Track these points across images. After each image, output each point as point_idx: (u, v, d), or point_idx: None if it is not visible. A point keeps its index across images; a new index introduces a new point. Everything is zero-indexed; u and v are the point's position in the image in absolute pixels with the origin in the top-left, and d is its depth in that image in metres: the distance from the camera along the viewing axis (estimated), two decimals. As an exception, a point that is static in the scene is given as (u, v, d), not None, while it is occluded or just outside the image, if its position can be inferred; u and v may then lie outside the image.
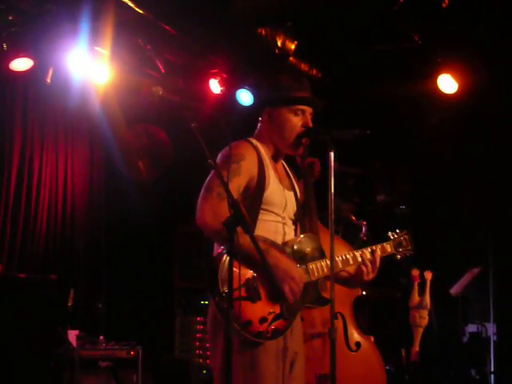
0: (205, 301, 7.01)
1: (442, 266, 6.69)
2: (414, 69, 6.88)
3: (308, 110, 3.37)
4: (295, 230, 3.42)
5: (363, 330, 4.68)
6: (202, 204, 3.11)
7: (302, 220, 3.48)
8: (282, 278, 3.07)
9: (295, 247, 3.28)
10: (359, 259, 3.45)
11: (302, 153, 3.68)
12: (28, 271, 6.74)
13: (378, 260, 3.48)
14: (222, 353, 2.90)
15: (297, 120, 3.34)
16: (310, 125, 3.36)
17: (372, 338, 4.66)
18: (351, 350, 4.41)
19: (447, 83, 6.81)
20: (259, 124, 3.46)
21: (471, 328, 7.34)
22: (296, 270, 3.16)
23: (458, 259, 7.22)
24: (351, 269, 3.50)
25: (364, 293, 5.43)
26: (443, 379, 6.95)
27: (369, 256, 3.47)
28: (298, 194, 3.49)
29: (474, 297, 7.25)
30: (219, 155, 3.24)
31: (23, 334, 6.12)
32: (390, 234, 3.70)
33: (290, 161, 3.64)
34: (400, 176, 7.61)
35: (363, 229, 5.32)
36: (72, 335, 6.25)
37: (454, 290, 6.72)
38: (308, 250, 3.31)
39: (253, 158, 3.26)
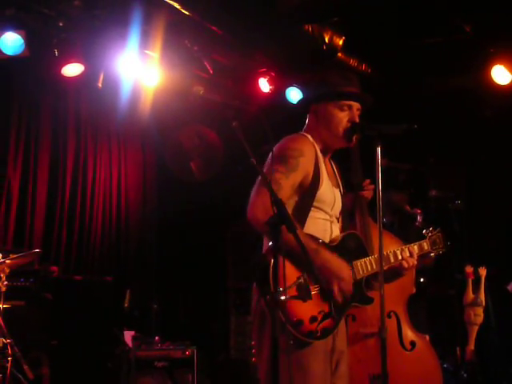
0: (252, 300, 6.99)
1: (499, 262, 6.52)
2: (467, 61, 6.73)
3: (355, 105, 3.33)
4: (339, 228, 3.39)
5: (419, 328, 4.59)
6: (253, 198, 3.09)
7: (345, 217, 3.45)
8: (332, 278, 3.06)
9: (340, 244, 3.25)
10: (399, 257, 3.44)
11: (353, 151, 3.65)
12: (84, 273, 6.86)
13: (416, 257, 3.48)
14: (269, 353, 2.87)
15: (343, 115, 3.30)
16: (357, 120, 3.31)
17: (427, 337, 4.56)
18: (406, 350, 4.31)
19: (501, 74, 6.65)
20: (307, 121, 3.43)
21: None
22: (346, 271, 3.13)
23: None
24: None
25: (421, 282, 5.35)
26: (503, 377, 6.76)
27: (408, 254, 3.47)
28: (342, 192, 3.45)
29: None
30: (276, 147, 3.19)
31: (80, 335, 6.21)
32: (424, 231, 3.76)
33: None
34: (454, 171, 7.45)
35: (418, 217, 5.26)
36: (128, 336, 6.33)
37: (512, 286, 6.54)
38: (352, 247, 3.29)
39: (311, 155, 3.24)
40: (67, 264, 6.99)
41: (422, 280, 5.12)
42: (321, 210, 3.24)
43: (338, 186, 3.41)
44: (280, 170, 3.09)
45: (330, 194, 3.27)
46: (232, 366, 7.53)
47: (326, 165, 3.35)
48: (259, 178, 3.12)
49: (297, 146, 3.19)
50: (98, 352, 6.30)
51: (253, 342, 7.24)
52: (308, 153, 3.22)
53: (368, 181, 3.66)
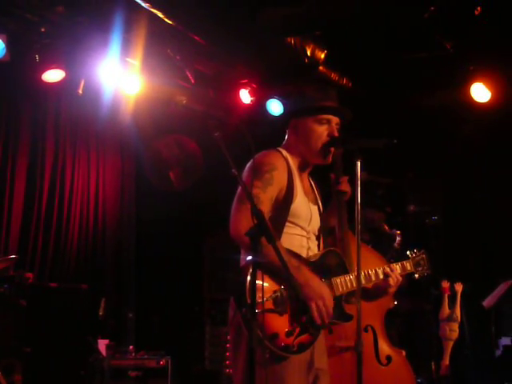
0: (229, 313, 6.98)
1: (475, 278, 6.58)
2: (446, 77, 6.80)
3: (334, 119, 3.33)
4: (318, 245, 3.39)
5: (394, 343, 4.60)
6: (235, 215, 3.08)
7: (325, 235, 3.45)
8: (311, 297, 3.03)
9: (320, 261, 3.24)
10: (381, 276, 3.42)
11: (336, 164, 3.65)
12: (59, 281, 6.80)
13: (398, 277, 3.46)
14: (244, 365, 2.87)
15: (322, 130, 3.30)
16: (336, 134, 3.31)
17: (403, 352, 4.57)
18: (382, 364, 4.32)
19: (480, 92, 6.72)
20: (286, 135, 3.44)
21: (505, 341, 7.19)
22: (326, 291, 3.11)
23: (491, 271, 7.10)
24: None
25: (395, 303, 5.37)
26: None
27: (390, 273, 3.44)
28: (321, 209, 3.45)
29: (508, 309, 7.12)
30: (249, 163, 3.19)
31: (54, 343, 6.15)
32: (408, 252, 3.74)
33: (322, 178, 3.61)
34: (432, 186, 7.51)
35: (397, 238, 5.27)
36: (102, 344, 6.28)
37: (487, 302, 6.59)
38: (332, 264, 3.28)
39: (283, 169, 3.24)
40: (42, 271, 6.93)
41: (395, 303, 5.13)
42: (296, 225, 3.24)
43: (315, 203, 3.40)
44: (257, 185, 3.08)
45: (305, 209, 3.27)
46: (206, 376, 7.50)
47: (302, 180, 3.35)
48: (238, 193, 3.13)
49: (269, 161, 3.20)
50: (71, 360, 6.23)
51: (228, 354, 7.23)
52: (280, 167, 3.23)
53: (346, 178, 3.66)
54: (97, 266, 7.48)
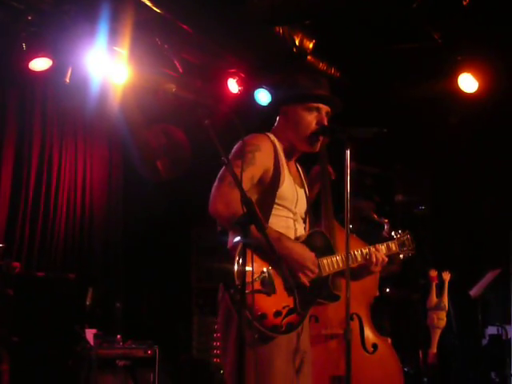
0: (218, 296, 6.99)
1: (462, 267, 6.62)
2: (434, 68, 6.81)
3: (324, 108, 3.36)
4: (305, 228, 3.42)
5: (382, 331, 4.63)
6: (214, 193, 3.14)
7: (311, 218, 3.48)
8: (296, 265, 3.11)
9: (306, 241, 3.28)
10: (367, 256, 3.45)
11: (322, 154, 3.68)
12: (46, 270, 6.78)
13: (383, 256, 3.49)
14: (235, 347, 2.89)
15: (311, 118, 3.33)
16: (325, 123, 3.34)
17: (389, 340, 4.60)
18: (368, 352, 4.35)
19: (468, 82, 6.74)
20: (276, 122, 3.46)
21: (491, 330, 7.25)
22: (309, 254, 3.18)
23: (478, 260, 7.15)
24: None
25: (386, 291, 5.40)
26: (463, 382, 6.86)
27: (375, 253, 3.48)
28: (308, 193, 3.48)
29: (494, 298, 7.17)
30: (235, 146, 3.24)
31: (41, 332, 6.15)
32: (393, 233, 3.79)
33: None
34: (419, 176, 7.55)
35: (385, 227, 5.29)
36: (90, 334, 6.28)
37: (474, 291, 6.65)
38: (318, 245, 3.32)
39: (269, 151, 3.27)
40: (29, 260, 6.90)
41: (387, 290, 5.16)
42: (284, 207, 3.28)
43: (302, 187, 3.44)
44: (237, 165, 3.08)
45: (291, 192, 3.31)
46: (194, 365, 7.52)
47: (290, 165, 3.39)
48: (220, 172, 3.17)
49: (253, 142, 3.22)
50: (58, 349, 6.23)
51: (215, 343, 7.25)
52: (265, 148, 3.26)
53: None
54: (84, 255, 7.46)
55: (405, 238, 3.78)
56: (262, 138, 3.31)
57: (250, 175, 3.16)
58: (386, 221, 5.17)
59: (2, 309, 5.87)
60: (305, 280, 3.15)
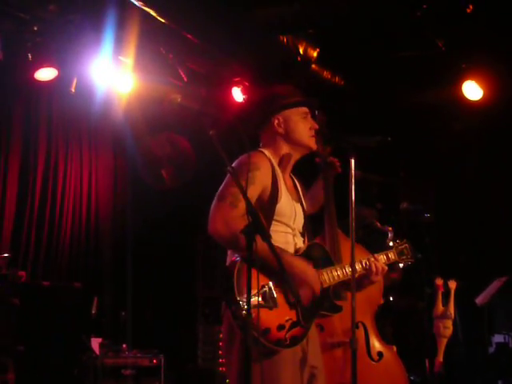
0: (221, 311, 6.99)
1: (468, 276, 6.60)
2: (439, 75, 6.81)
3: (310, 111, 3.44)
4: (304, 242, 3.43)
5: (386, 339, 4.61)
6: (214, 213, 3.14)
7: (309, 232, 3.48)
8: (298, 280, 3.10)
9: (305, 254, 3.29)
10: (366, 266, 3.45)
11: (322, 162, 3.69)
12: (52, 279, 6.80)
13: (383, 266, 3.49)
14: (239, 362, 2.89)
15: (303, 122, 3.41)
16: (316, 126, 3.41)
17: (394, 348, 4.59)
18: (373, 360, 4.34)
19: (472, 90, 6.73)
20: (263, 136, 3.49)
21: (498, 338, 7.23)
22: (311, 270, 3.19)
23: (484, 268, 7.13)
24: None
25: (390, 299, 5.38)
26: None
27: (374, 262, 3.48)
28: (305, 206, 3.49)
29: (501, 306, 7.15)
30: (234, 164, 3.25)
31: (47, 341, 6.15)
32: (391, 243, 3.87)
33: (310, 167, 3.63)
34: (424, 184, 7.54)
35: (389, 235, 5.28)
36: (95, 343, 6.28)
37: (480, 299, 6.62)
38: (318, 257, 3.32)
39: (267, 169, 3.29)
40: (35, 269, 6.92)
41: (391, 299, 5.14)
42: (282, 223, 3.28)
43: (298, 201, 3.45)
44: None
45: (289, 208, 3.31)
46: (199, 375, 7.51)
47: (285, 180, 3.40)
48: (219, 191, 3.19)
49: (251, 161, 3.22)
50: (64, 358, 6.24)
51: (221, 352, 7.24)
52: (263, 167, 3.27)
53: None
54: (90, 264, 7.47)
55: (403, 246, 3.77)
56: (259, 157, 3.32)
57: (250, 195, 3.13)
58: (390, 229, 5.17)
59: (8, 318, 5.88)
60: (305, 296, 3.13)
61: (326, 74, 6.76)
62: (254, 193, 3.19)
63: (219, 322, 7.52)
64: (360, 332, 4.28)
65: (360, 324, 4.30)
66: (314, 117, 3.44)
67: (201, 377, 7.48)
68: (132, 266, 7.63)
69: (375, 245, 4.81)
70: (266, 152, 3.39)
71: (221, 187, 3.19)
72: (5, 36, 5.61)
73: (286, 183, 3.38)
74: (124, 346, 6.36)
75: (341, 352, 4.11)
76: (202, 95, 6.99)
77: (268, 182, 3.26)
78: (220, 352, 7.36)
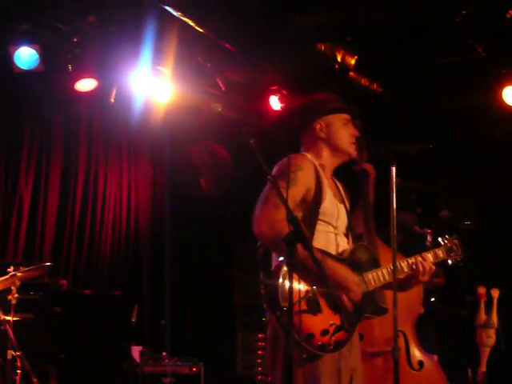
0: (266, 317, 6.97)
1: (511, 284, 6.49)
2: (478, 81, 6.74)
3: (350, 118, 3.45)
4: (348, 243, 3.42)
5: (429, 349, 4.57)
6: (258, 215, 3.15)
7: (353, 233, 3.47)
8: (340, 286, 3.10)
9: (350, 256, 3.28)
10: (413, 266, 3.41)
11: (360, 169, 3.68)
12: (93, 287, 6.87)
13: (431, 265, 3.44)
14: (283, 367, 2.88)
15: (344, 129, 3.42)
16: (357, 133, 3.41)
17: (435, 357, 4.54)
18: (414, 369, 4.30)
19: (512, 95, 6.64)
20: (304, 140, 3.50)
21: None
22: (353, 277, 3.18)
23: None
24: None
25: (432, 307, 5.32)
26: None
27: (422, 262, 3.43)
28: (348, 208, 3.48)
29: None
30: (276, 167, 3.27)
31: (88, 349, 6.21)
32: (440, 239, 3.69)
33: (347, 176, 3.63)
34: (464, 191, 7.44)
35: (428, 237, 5.23)
36: (136, 351, 6.33)
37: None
38: (363, 259, 3.31)
39: (310, 170, 3.30)
40: (76, 278, 7.01)
41: (432, 299, 5.08)
42: (325, 222, 3.29)
43: (342, 202, 3.45)
44: (281, 186, 3.09)
45: (333, 208, 3.32)
46: (238, 383, 7.50)
47: (329, 182, 3.40)
48: (263, 193, 3.19)
49: (294, 162, 3.23)
50: (105, 366, 6.29)
51: (260, 360, 7.23)
52: (306, 168, 3.28)
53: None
54: (129, 272, 7.54)
55: (452, 243, 3.68)
56: (301, 158, 3.35)
57: (292, 195, 3.14)
58: (429, 231, 5.11)
59: (50, 326, 5.96)
60: (347, 302, 3.13)
61: (364, 82, 6.74)
62: (297, 193, 3.20)
63: (258, 330, 7.53)
64: (400, 341, 4.24)
65: (400, 333, 4.26)
66: (354, 124, 3.44)
67: (240, 385, 7.48)
68: (171, 274, 7.67)
69: (414, 249, 4.77)
70: (308, 155, 3.40)
71: (264, 189, 3.19)
72: (45, 47, 5.69)
73: (330, 185, 3.38)
74: (164, 354, 6.39)
75: (381, 361, 4.08)
76: (239, 104, 7.02)
77: (311, 182, 3.26)
78: (259, 360, 7.36)
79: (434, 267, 3.45)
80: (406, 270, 3.40)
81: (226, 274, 7.95)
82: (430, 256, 3.49)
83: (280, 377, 3.02)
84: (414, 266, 3.39)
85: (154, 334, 6.97)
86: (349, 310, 3.12)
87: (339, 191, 3.49)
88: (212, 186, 7.97)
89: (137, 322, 6.75)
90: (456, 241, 3.71)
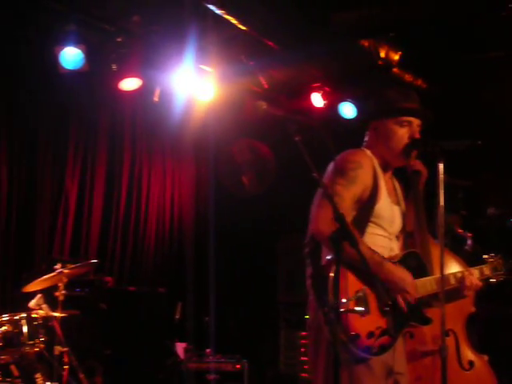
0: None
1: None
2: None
3: (415, 121, 3.31)
4: (399, 246, 3.38)
5: (477, 348, 4.50)
6: (316, 213, 3.10)
7: (405, 235, 3.43)
8: (397, 287, 3.08)
9: (401, 262, 3.23)
10: (461, 280, 3.44)
11: (411, 167, 3.61)
12: (137, 284, 6.93)
13: (477, 281, 3.49)
14: (325, 365, 2.87)
15: (403, 132, 3.29)
16: (417, 136, 3.29)
17: (486, 357, 4.46)
18: (464, 369, 4.23)
19: (561, 90, 6.51)
20: (366, 137, 3.42)
21: None
22: (410, 279, 3.15)
23: None
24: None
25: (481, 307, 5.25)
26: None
27: (468, 277, 3.47)
28: (404, 209, 3.42)
29: None
30: (333, 161, 3.21)
31: (133, 345, 6.27)
32: (486, 257, 3.74)
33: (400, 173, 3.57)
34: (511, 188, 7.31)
35: (469, 241, 5.16)
36: (180, 348, 6.36)
37: None
38: (413, 266, 3.26)
39: (369, 168, 3.24)
40: (121, 275, 7.08)
41: (482, 306, 4.99)
42: (379, 226, 3.23)
43: (398, 204, 3.38)
44: (340, 183, 3.09)
45: (388, 210, 3.26)
46: (281, 380, 7.50)
47: (386, 181, 3.34)
48: (319, 190, 3.13)
49: (355, 159, 3.20)
50: (149, 363, 6.34)
51: (302, 358, 7.21)
52: (366, 166, 3.23)
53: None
54: (173, 269, 7.60)
55: (497, 262, 3.73)
56: (361, 155, 3.28)
57: (352, 194, 3.13)
58: (470, 235, 5.05)
59: (96, 322, 6.03)
60: (403, 304, 3.11)
61: (408, 77, 6.67)
62: (356, 192, 3.16)
63: (301, 328, 7.48)
64: (451, 340, 4.18)
65: (451, 332, 4.20)
66: (416, 128, 3.32)
67: (283, 382, 7.47)
68: (214, 271, 7.71)
69: (455, 251, 4.71)
70: (367, 151, 3.33)
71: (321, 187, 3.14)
72: (90, 48, 5.76)
73: (386, 184, 3.32)
74: (207, 350, 6.42)
75: (430, 360, 4.03)
76: (281, 101, 7.01)
77: (369, 181, 3.21)
78: (302, 358, 7.34)
79: (480, 284, 3.48)
80: (453, 282, 3.40)
81: (269, 272, 7.95)
82: (476, 272, 3.54)
83: (321, 374, 3.01)
84: (462, 280, 3.41)
85: (197, 330, 7.00)
86: (403, 312, 3.08)
87: (396, 192, 3.43)
88: (254, 184, 7.97)
89: (180, 319, 6.79)
90: (501, 260, 3.76)
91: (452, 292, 3.42)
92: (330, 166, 3.21)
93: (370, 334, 3.00)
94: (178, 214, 7.76)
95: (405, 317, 3.15)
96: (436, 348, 3.92)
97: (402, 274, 3.13)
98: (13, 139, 6.29)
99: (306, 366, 7.22)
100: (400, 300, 3.09)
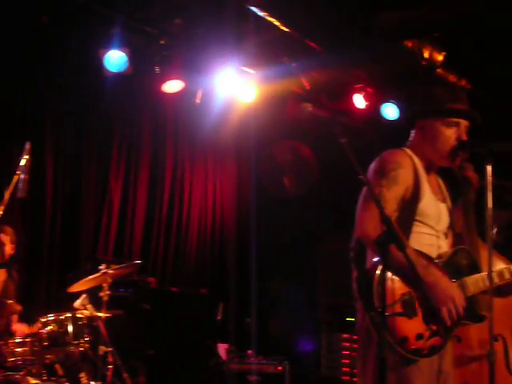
0: (351, 317, 6.91)
1: None
2: None
3: (463, 122, 3.26)
4: (448, 244, 3.33)
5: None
6: (361, 215, 3.08)
7: (454, 232, 3.37)
8: (441, 298, 3.00)
9: (450, 260, 3.19)
10: (506, 276, 3.34)
11: (460, 165, 3.55)
12: (180, 285, 6.98)
13: None
14: (374, 368, 2.84)
15: (450, 133, 3.24)
16: (464, 138, 3.24)
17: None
18: (513, 375, 4.17)
19: None
20: (412, 136, 3.39)
21: None
22: (456, 291, 3.07)
23: None
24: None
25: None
26: None
27: None
28: (451, 207, 3.38)
29: None
30: (373, 163, 3.19)
31: (176, 346, 6.31)
32: None
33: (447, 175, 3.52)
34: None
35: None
36: (222, 348, 6.38)
37: None
38: (463, 263, 3.22)
39: (409, 167, 3.21)
40: (163, 276, 7.14)
41: None
42: (425, 224, 3.19)
43: (444, 201, 3.34)
44: (382, 184, 3.07)
45: (433, 208, 3.22)
46: (323, 383, 7.47)
47: (430, 180, 3.30)
48: (362, 193, 3.12)
49: (394, 159, 3.18)
50: (192, 363, 6.38)
51: (343, 361, 7.16)
52: (406, 165, 3.20)
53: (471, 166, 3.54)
54: (215, 271, 7.63)
55: None
56: (401, 155, 3.25)
57: (395, 195, 3.10)
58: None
59: (139, 323, 6.09)
60: (446, 316, 3.02)
61: (452, 78, 6.58)
62: (398, 192, 3.13)
63: (342, 330, 7.43)
64: (499, 345, 4.11)
65: (499, 337, 4.13)
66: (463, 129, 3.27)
67: (325, 385, 7.44)
68: (256, 272, 7.71)
69: (506, 248, 4.63)
70: (408, 151, 3.30)
71: (364, 190, 3.12)
72: (133, 50, 5.81)
73: (430, 183, 3.28)
74: (249, 352, 6.43)
75: (478, 365, 3.97)
76: (323, 103, 6.98)
77: (410, 180, 3.18)
78: (344, 360, 7.30)
79: None
80: (506, 276, 3.32)
81: (311, 273, 7.93)
82: None
83: (371, 377, 2.98)
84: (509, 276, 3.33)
85: (239, 332, 7.02)
86: (446, 324, 3.02)
87: (441, 189, 3.39)
88: (295, 185, 7.96)
89: (222, 320, 6.81)
90: None
91: (507, 287, 3.37)
92: (371, 168, 3.19)
93: (419, 336, 2.97)
94: (219, 215, 7.79)
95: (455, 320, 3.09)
96: (483, 353, 3.86)
97: (449, 285, 3.07)
98: (59, 141, 6.39)
99: (345, 369, 7.20)
100: (445, 313, 3.01)
